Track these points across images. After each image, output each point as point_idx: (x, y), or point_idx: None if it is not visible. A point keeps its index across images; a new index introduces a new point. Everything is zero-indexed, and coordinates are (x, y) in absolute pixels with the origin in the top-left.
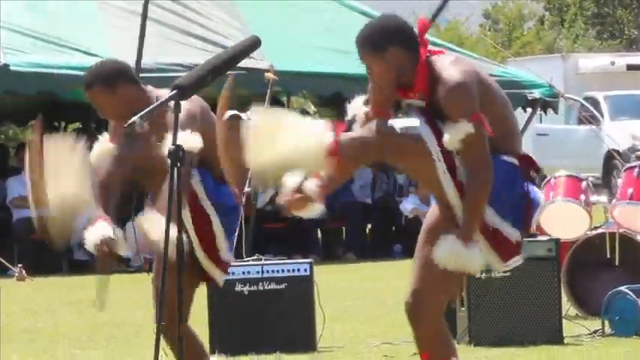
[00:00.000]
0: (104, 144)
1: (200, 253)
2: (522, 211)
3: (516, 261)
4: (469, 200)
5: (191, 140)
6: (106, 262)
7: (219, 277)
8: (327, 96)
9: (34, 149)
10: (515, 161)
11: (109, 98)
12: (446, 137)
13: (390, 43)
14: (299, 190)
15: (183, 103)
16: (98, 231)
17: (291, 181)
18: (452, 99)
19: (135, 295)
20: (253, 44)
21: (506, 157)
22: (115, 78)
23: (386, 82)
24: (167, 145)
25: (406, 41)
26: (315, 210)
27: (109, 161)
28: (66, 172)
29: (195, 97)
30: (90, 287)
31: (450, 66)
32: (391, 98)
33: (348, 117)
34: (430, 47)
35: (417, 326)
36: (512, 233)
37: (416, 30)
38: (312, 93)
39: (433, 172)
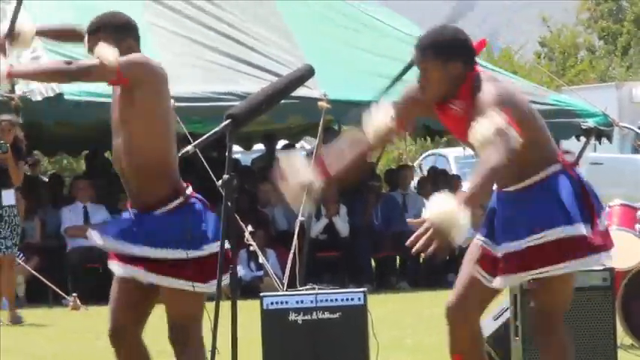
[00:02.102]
0: None
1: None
2: (582, 206)
3: (606, 256)
4: (478, 171)
5: None
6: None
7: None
8: None
9: None
10: (559, 166)
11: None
12: (474, 129)
13: (455, 55)
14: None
15: None
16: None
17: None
18: (490, 107)
19: None
20: (307, 73)
21: (553, 168)
22: (123, 30)
23: (436, 90)
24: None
25: (468, 58)
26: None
27: None
28: None
29: None
30: None
31: (493, 82)
32: (418, 110)
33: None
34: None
35: (456, 326)
36: (571, 230)
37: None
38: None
39: None
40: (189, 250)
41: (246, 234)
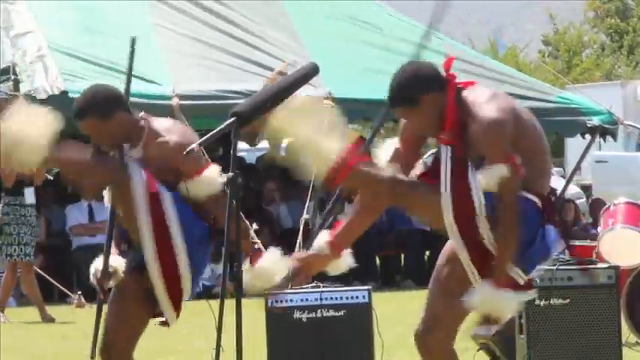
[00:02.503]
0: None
1: (160, 289)
2: (529, 254)
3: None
4: (500, 245)
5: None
6: (103, 293)
7: (172, 319)
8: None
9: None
10: (537, 201)
11: (104, 126)
12: (482, 180)
13: (423, 91)
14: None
15: (171, 135)
16: (97, 263)
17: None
18: (487, 139)
19: (193, 322)
20: (311, 71)
21: (529, 196)
22: (110, 106)
23: (427, 127)
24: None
25: (437, 83)
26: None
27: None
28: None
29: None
30: None
31: (486, 103)
32: (421, 140)
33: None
34: (458, 79)
35: (426, 353)
36: (519, 273)
37: (441, 68)
38: (371, 120)
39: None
40: None
41: (251, 232)
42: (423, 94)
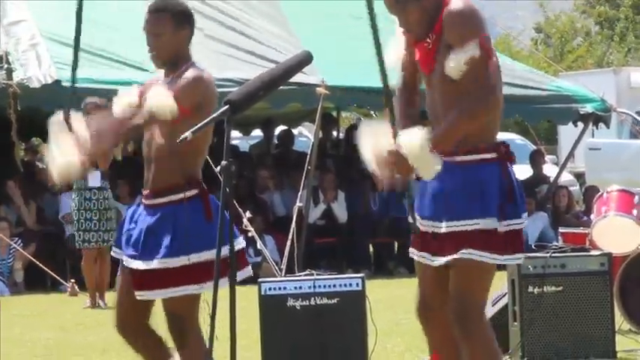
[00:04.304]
0: (131, 97)
1: None
2: (503, 204)
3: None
4: (450, 118)
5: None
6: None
7: None
8: (379, 111)
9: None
10: (494, 154)
11: (169, 34)
12: (450, 64)
13: None
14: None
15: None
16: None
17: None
18: (456, 23)
19: None
20: (305, 59)
21: (486, 155)
22: (185, 19)
23: (421, 26)
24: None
25: None
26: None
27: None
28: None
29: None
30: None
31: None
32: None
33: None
34: None
35: (431, 327)
36: (490, 224)
37: None
38: (363, 108)
39: None
40: (190, 255)
41: (245, 220)
42: None
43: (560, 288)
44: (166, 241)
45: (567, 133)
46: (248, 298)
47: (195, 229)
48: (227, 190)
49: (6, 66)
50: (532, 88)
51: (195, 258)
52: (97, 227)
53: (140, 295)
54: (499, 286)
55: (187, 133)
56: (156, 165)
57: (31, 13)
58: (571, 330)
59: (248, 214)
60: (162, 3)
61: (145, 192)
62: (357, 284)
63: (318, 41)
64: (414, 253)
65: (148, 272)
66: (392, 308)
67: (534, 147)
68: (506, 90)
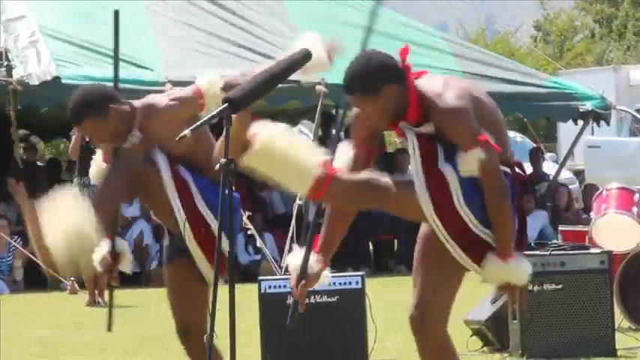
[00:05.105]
0: (99, 163)
1: (196, 252)
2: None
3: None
4: (496, 223)
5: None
6: (110, 277)
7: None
8: None
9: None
10: (507, 169)
11: (102, 125)
12: (461, 168)
13: (383, 82)
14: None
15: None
16: (103, 249)
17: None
18: (454, 126)
19: None
20: (304, 57)
21: (503, 168)
22: (105, 104)
23: (382, 119)
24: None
25: (396, 75)
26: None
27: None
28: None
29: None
30: (137, 300)
31: (443, 91)
32: (377, 135)
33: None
34: (412, 70)
35: (421, 338)
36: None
37: (398, 57)
38: None
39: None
40: None
41: (244, 218)
42: (383, 84)
43: (560, 286)
44: None
45: (567, 130)
46: (248, 296)
47: None
48: (226, 188)
49: (5, 63)
50: (531, 85)
51: None
52: None
53: None
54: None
55: (187, 131)
56: None
57: (30, 10)
58: (571, 328)
59: (247, 212)
60: (78, 110)
61: None
62: (357, 282)
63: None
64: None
65: None
66: (392, 306)
67: (534, 145)
68: (506, 87)
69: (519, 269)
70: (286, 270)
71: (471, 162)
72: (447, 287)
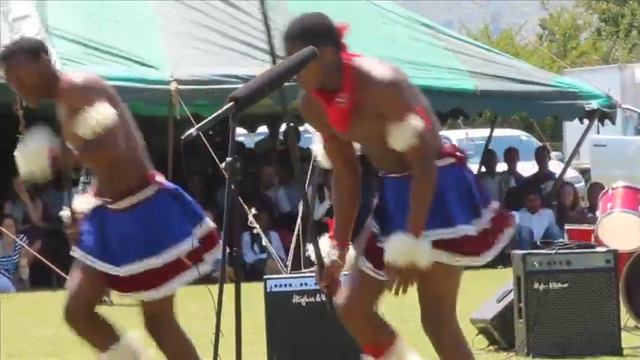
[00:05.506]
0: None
1: None
2: (474, 204)
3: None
4: (416, 197)
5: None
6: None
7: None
8: None
9: None
10: (453, 159)
11: (30, 68)
12: (393, 140)
13: (326, 41)
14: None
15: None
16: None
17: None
18: (390, 97)
19: (192, 307)
20: (310, 55)
21: (447, 161)
22: (39, 50)
23: (316, 79)
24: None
25: (337, 42)
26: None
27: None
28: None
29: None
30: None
31: (377, 66)
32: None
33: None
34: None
35: (438, 342)
36: (467, 228)
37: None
38: None
39: None
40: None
41: (250, 216)
42: (326, 42)
43: (565, 285)
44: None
45: (572, 129)
46: (254, 295)
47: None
48: (232, 186)
49: None
50: (537, 84)
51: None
52: None
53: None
54: (504, 282)
55: (192, 130)
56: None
57: (35, 9)
58: (577, 327)
59: (253, 210)
60: (12, 48)
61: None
62: None
63: None
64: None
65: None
66: (398, 306)
67: (540, 143)
68: (511, 86)
69: (425, 248)
70: (293, 268)
71: (406, 131)
72: (446, 292)
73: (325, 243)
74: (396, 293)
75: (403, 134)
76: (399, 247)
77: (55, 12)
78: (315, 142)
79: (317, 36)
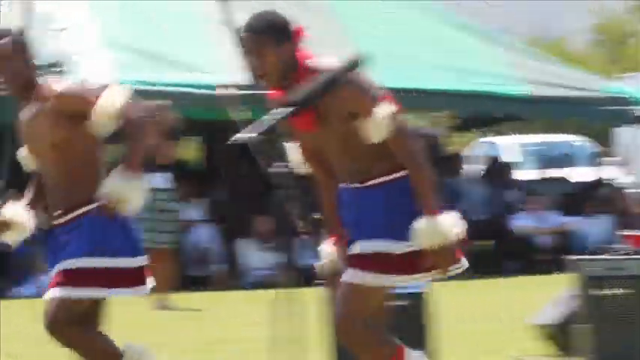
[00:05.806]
0: None
1: None
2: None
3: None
4: (418, 190)
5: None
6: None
7: None
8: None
9: None
10: (402, 172)
11: (17, 55)
12: (370, 131)
13: (287, 37)
14: None
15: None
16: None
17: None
18: (355, 92)
19: (248, 312)
20: (360, 62)
21: (394, 176)
22: (28, 43)
23: (275, 75)
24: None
25: (295, 40)
26: None
27: None
28: None
29: None
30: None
31: (333, 65)
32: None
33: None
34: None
35: (347, 342)
36: (397, 248)
37: None
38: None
39: None
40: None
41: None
42: (285, 40)
43: (630, 290)
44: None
45: (624, 135)
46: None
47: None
48: (287, 192)
49: (60, 69)
50: (587, 89)
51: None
52: (162, 227)
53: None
54: (560, 288)
55: (251, 134)
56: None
57: (90, 17)
58: (637, 333)
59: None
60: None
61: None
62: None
63: (373, 42)
64: None
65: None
66: (455, 314)
67: (593, 149)
68: (562, 92)
69: (448, 223)
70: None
71: (379, 119)
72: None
73: (326, 246)
74: (445, 274)
75: (378, 124)
76: (423, 233)
77: (109, 20)
78: (292, 151)
79: (280, 32)
